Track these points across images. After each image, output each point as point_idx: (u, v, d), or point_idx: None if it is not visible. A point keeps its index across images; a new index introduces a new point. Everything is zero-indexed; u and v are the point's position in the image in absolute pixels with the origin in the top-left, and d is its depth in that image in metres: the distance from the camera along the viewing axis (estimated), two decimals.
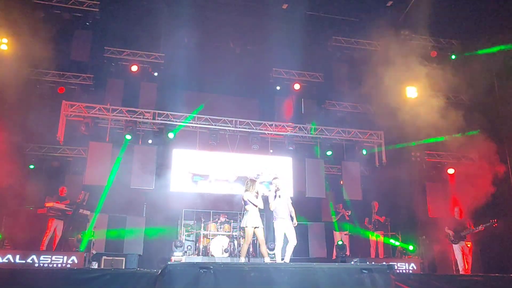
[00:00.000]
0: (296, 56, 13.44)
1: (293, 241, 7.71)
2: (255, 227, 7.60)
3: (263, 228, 7.83)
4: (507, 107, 12.36)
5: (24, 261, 8.54)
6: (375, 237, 11.84)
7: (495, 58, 12.70)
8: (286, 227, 7.79)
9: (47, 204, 10.02)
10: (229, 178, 12.61)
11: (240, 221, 10.66)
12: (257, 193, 7.76)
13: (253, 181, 7.86)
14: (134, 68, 12.90)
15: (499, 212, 10.88)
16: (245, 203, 7.73)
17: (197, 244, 10.99)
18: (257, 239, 10.29)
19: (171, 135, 12.25)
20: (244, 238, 8.03)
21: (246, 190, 7.77)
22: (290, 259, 7.96)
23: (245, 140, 13.52)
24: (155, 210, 12.28)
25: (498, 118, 12.59)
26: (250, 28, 14.17)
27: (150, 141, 12.85)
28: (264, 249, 7.84)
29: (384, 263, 8.78)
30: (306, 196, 12.96)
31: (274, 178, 8.16)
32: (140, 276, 6.15)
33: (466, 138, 13.06)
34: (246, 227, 7.63)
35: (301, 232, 13.06)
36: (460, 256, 10.01)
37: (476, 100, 13.49)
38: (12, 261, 8.47)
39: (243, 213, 7.80)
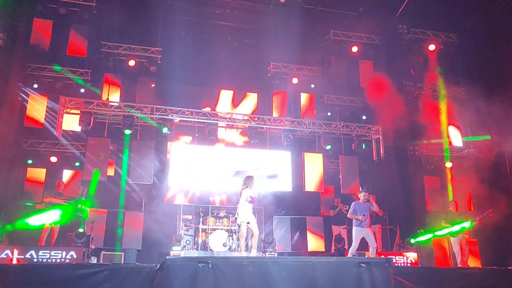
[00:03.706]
0: (294, 50, 13.39)
1: (373, 245, 8.76)
2: (248, 222, 7.67)
3: (256, 221, 7.86)
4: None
5: (23, 256, 8.54)
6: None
7: None
8: (363, 233, 8.80)
9: (46, 200, 10.00)
10: (228, 173, 12.62)
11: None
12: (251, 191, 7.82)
13: (251, 178, 7.89)
14: (132, 63, 12.86)
15: (497, 205, 10.91)
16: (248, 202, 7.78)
17: (195, 239, 11.00)
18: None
19: (167, 130, 12.22)
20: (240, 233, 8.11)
21: (246, 187, 7.80)
22: (289, 253, 8.07)
23: (243, 134, 13.52)
24: (153, 205, 12.29)
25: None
26: (248, 22, 14.12)
27: (148, 136, 12.86)
28: (255, 242, 7.90)
29: (382, 256, 8.84)
30: (305, 191, 13.01)
31: (363, 191, 9.18)
32: (138, 270, 6.16)
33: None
34: (241, 223, 7.74)
35: (300, 226, 13.16)
36: (458, 249, 10.03)
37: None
38: (11, 256, 8.47)
39: (239, 209, 7.84)
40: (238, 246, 10.11)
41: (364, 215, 8.84)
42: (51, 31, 12.18)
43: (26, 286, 5.80)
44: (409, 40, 13.86)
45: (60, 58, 12.34)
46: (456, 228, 9.93)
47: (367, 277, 5.91)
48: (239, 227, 7.81)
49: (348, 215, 9.13)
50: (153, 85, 13.10)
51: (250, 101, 14.49)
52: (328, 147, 13.44)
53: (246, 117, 13.06)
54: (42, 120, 11.94)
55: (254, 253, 7.88)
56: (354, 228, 8.94)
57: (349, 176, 13.30)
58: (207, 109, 13.43)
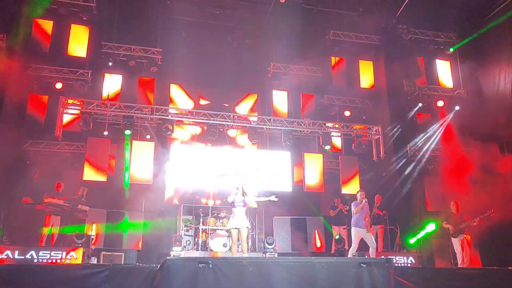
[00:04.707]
0: (294, 50, 13.40)
1: (372, 245, 8.71)
2: (238, 228, 7.83)
3: (248, 227, 8.04)
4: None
5: (23, 257, 8.54)
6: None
7: None
8: (363, 234, 8.74)
9: (46, 200, 9.97)
10: (228, 173, 12.61)
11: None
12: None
13: (242, 183, 8.10)
14: (132, 63, 12.83)
15: (497, 205, 10.90)
16: (233, 206, 7.97)
17: (196, 239, 10.99)
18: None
19: (167, 130, 12.22)
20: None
21: (239, 192, 7.94)
22: (289, 253, 8.09)
23: (243, 134, 13.52)
24: (153, 205, 12.28)
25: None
26: (248, 22, 14.11)
27: (148, 136, 12.86)
28: (244, 246, 8.01)
29: (382, 257, 8.84)
30: (305, 191, 13.00)
31: (360, 191, 9.16)
32: (139, 271, 6.17)
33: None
34: (231, 229, 7.96)
35: (300, 227, 13.14)
36: (459, 249, 10.01)
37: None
38: (11, 256, 8.47)
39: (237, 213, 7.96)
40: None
41: (363, 211, 8.91)
42: (51, 31, 12.17)
43: (27, 286, 5.81)
44: (409, 40, 13.85)
45: (60, 58, 12.32)
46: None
47: (367, 278, 5.92)
48: (239, 231, 7.87)
49: (355, 212, 8.96)
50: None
51: (250, 101, 14.50)
52: (327, 147, 13.42)
53: (246, 118, 13.05)
54: (42, 120, 11.93)
55: (234, 253, 8.11)
56: (353, 228, 8.91)
57: (349, 176, 13.29)
58: (207, 109, 13.43)
